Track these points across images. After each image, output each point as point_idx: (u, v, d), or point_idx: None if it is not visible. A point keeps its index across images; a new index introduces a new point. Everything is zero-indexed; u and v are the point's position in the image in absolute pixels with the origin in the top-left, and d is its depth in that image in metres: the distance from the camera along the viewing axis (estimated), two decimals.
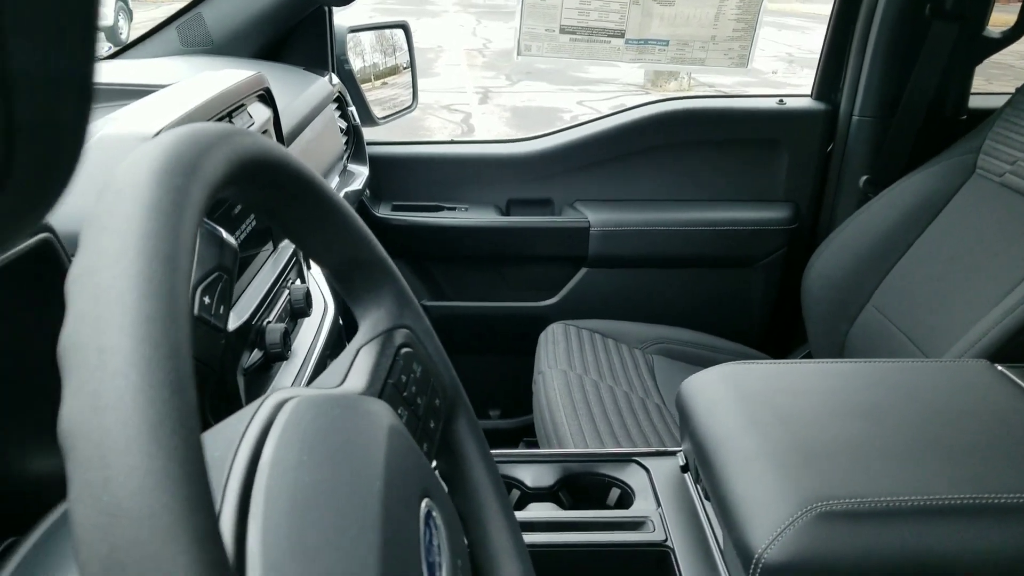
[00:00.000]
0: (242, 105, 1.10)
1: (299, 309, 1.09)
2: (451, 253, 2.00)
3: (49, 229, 0.64)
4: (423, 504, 0.55)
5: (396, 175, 2.00)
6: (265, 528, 0.39)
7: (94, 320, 0.30)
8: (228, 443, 0.45)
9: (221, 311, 0.72)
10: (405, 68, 2.14)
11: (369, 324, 0.69)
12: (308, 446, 0.47)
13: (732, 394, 1.21)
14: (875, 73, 1.80)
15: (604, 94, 8.43)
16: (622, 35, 1.87)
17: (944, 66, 1.74)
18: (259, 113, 1.14)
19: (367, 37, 2.07)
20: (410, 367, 0.69)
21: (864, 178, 1.86)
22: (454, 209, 2.01)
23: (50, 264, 0.67)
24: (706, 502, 1.19)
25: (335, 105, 1.72)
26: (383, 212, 2.00)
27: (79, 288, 0.32)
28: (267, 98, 1.18)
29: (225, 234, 0.73)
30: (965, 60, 1.76)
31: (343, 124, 1.76)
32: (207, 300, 0.69)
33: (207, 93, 1.00)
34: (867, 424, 1.11)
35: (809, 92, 1.96)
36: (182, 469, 0.29)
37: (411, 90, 2.13)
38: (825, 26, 1.89)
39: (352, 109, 1.84)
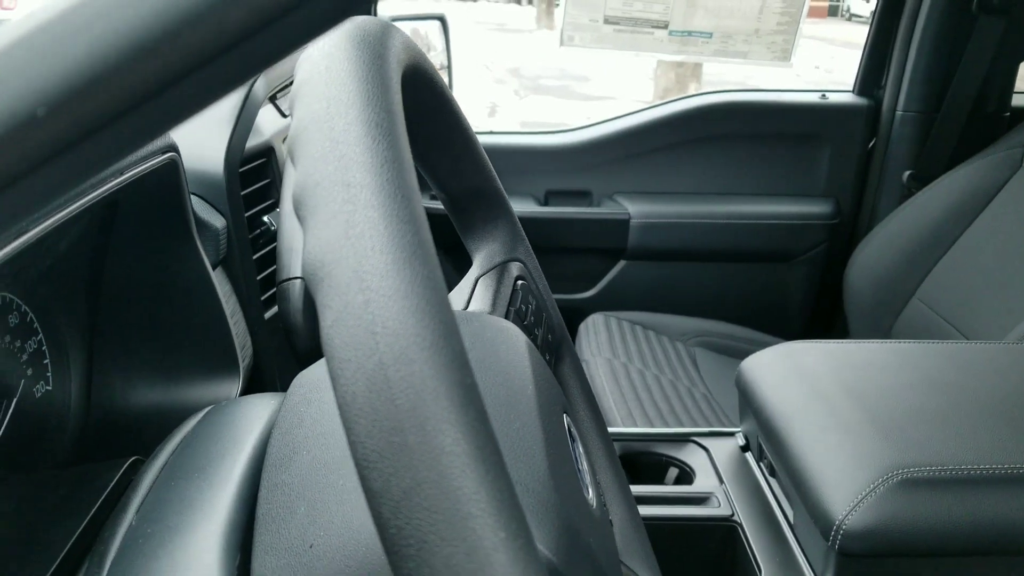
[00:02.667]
0: None
1: None
2: None
3: (175, 148, 0.64)
4: (564, 418, 0.54)
5: None
6: None
7: (337, 159, 0.31)
8: None
9: None
10: (440, 68, 2.14)
11: (485, 255, 0.69)
12: None
13: (795, 371, 1.20)
14: (920, 68, 1.81)
15: (612, 110, 8.46)
16: (666, 26, 1.87)
17: (990, 61, 1.74)
18: None
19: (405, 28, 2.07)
20: (527, 299, 0.68)
21: (908, 173, 1.86)
22: None
23: (173, 186, 0.66)
24: (771, 479, 1.18)
25: None
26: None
27: (312, 134, 0.33)
28: None
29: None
30: (1011, 55, 1.77)
31: None
32: None
33: None
34: (938, 398, 1.10)
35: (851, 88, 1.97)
36: (436, 296, 0.29)
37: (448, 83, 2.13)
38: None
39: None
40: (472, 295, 0.64)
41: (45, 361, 0.70)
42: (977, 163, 1.67)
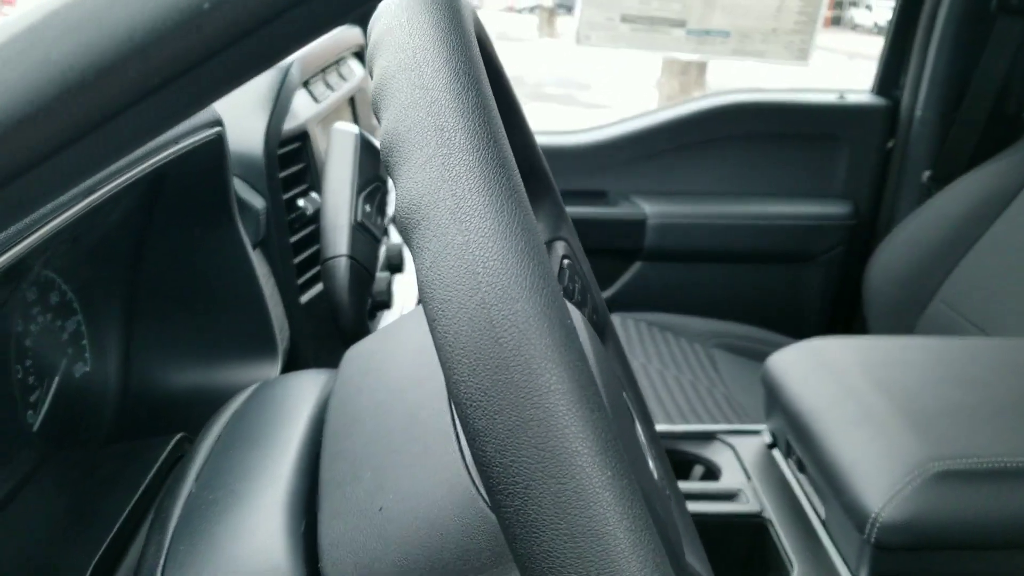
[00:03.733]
0: (343, 58, 1.09)
1: (396, 264, 1.07)
2: None
3: (221, 123, 0.63)
4: (623, 394, 0.54)
5: None
6: None
7: (428, 105, 0.31)
8: None
9: (379, 221, 0.71)
10: None
11: None
12: None
13: (823, 367, 1.19)
14: (939, 69, 1.80)
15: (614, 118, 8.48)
16: (683, 25, 1.87)
17: (1009, 62, 1.74)
18: (357, 69, 1.14)
19: None
20: (573, 278, 0.67)
21: (927, 174, 1.85)
22: None
23: (217, 162, 0.65)
24: (800, 475, 1.17)
25: None
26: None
27: (400, 82, 0.33)
28: (361, 56, 1.18)
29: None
30: None
31: None
32: (368, 208, 0.68)
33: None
34: (969, 392, 1.09)
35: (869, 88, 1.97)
36: (535, 239, 0.29)
37: None
38: None
39: None
40: None
41: (83, 342, 0.69)
42: (997, 163, 1.66)
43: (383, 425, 0.48)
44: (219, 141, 0.63)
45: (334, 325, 0.69)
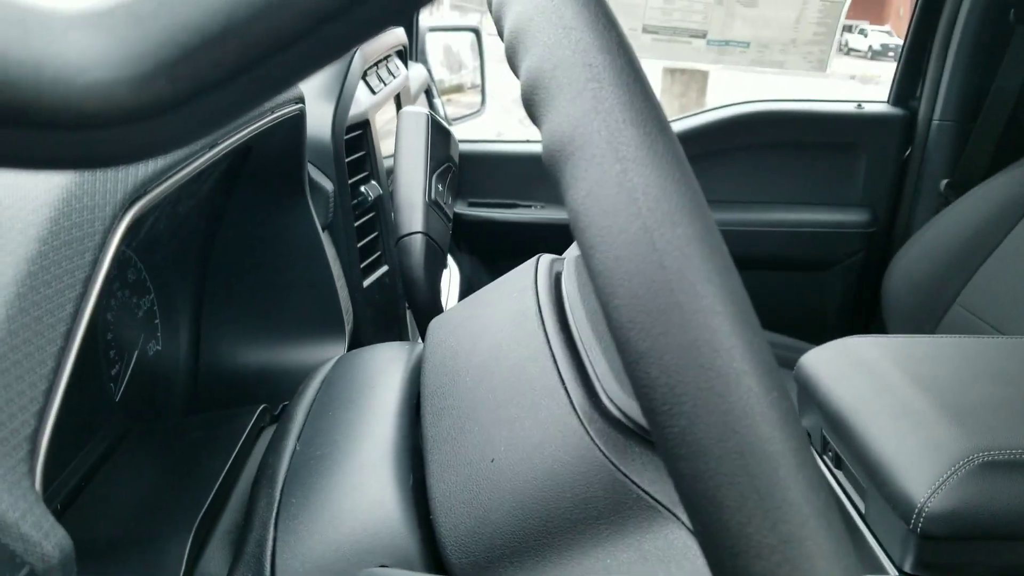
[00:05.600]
0: (388, 56, 1.11)
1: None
2: (525, 250, 1.99)
3: (303, 100, 0.64)
4: None
5: (471, 172, 2.01)
6: None
7: (573, 44, 0.32)
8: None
9: (449, 201, 0.72)
10: (470, 88, 2.16)
11: None
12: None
13: (858, 364, 1.20)
14: (957, 78, 1.83)
15: None
16: (704, 36, 1.89)
17: None
18: (400, 68, 1.15)
19: (435, 50, 2.07)
20: None
21: (945, 182, 1.87)
22: (528, 207, 2.02)
23: (296, 139, 0.67)
24: (836, 471, 1.17)
25: (423, 96, 1.74)
26: (459, 208, 2.00)
27: (541, 24, 0.34)
28: (404, 55, 1.20)
29: (452, 130, 0.74)
30: None
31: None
32: (440, 187, 0.69)
33: None
34: (1006, 387, 1.10)
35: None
36: (687, 168, 0.31)
37: (480, 95, 2.15)
38: None
39: (439, 101, 1.86)
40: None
41: (156, 321, 0.70)
42: (1016, 171, 1.68)
43: (484, 384, 0.49)
44: (301, 117, 0.64)
45: (407, 300, 0.70)
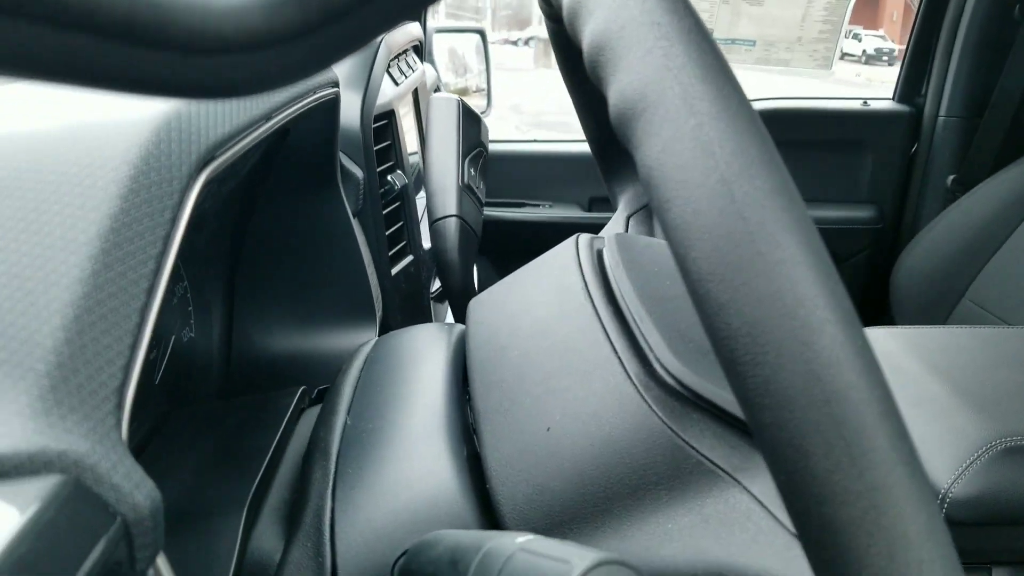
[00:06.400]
0: (407, 50, 1.12)
1: None
2: (534, 249, 2.00)
3: (339, 84, 0.65)
4: None
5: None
6: None
7: (639, 3, 0.32)
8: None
9: (481, 185, 0.73)
10: (475, 91, 2.16)
11: (632, 195, 0.70)
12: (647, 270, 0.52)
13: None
14: (962, 74, 1.84)
15: None
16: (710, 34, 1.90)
17: None
18: (417, 63, 1.16)
19: (440, 53, 2.07)
20: None
21: (951, 178, 1.88)
22: (537, 206, 2.02)
23: (331, 124, 0.67)
24: None
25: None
26: None
27: None
28: (420, 51, 1.20)
29: (481, 115, 0.74)
30: None
31: None
32: (472, 172, 0.70)
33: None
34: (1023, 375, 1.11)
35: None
36: (759, 121, 0.30)
37: (485, 97, 2.15)
38: None
39: None
40: (627, 231, 0.66)
41: (189, 308, 0.70)
42: (1022, 166, 1.69)
43: (533, 357, 0.49)
44: (336, 102, 0.64)
45: (442, 283, 0.71)
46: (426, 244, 0.94)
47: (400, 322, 0.83)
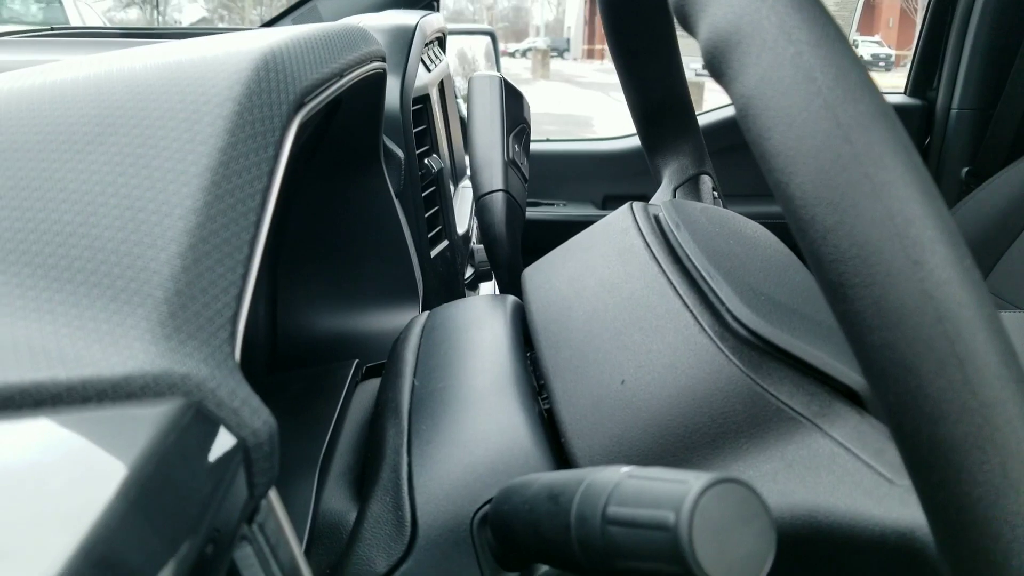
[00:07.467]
0: (432, 41, 1.12)
1: None
2: (548, 247, 2.00)
3: (385, 58, 0.65)
4: None
5: None
6: None
7: None
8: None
9: (524, 161, 0.73)
10: None
11: (677, 168, 0.70)
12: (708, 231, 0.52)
13: None
14: (975, 66, 1.85)
15: None
16: None
17: None
18: (441, 54, 1.17)
19: (450, 55, 2.07)
20: (726, 208, 0.69)
21: (965, 170, 1.89)
22: (552, 205, 2.03)
23: (377, 99, 0.67)
24: None
25: None
26: None
27: None
28: (443, 43, 1.21)
29: (523, 92, 0.75)
30: None
31: None
32: (516, 147, 0.70)
33: (412, 19, 1.03)
34: None
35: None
36: (852, 49, 0.30)
37: None
38: None
39: (460, 100, 1.87)
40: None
41: None
42: None
43: (599, 315, 0.49)
44: (384, 76, 0.65)
45: (488, 258, 0.71)
46: (460, 230, 0.94)
47: (438, 304, 0.83)
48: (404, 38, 0.83)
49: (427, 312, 0.62)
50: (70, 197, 0.31)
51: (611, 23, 0.62)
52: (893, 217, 0.26)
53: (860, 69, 0.30)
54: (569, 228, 2.06)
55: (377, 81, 0.65)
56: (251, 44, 0.37)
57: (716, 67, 0.32)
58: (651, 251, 0.51)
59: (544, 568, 0.41)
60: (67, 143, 0.32)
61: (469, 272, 0.99)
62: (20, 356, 0.27)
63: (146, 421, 0.26)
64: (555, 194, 2.04)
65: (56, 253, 0.30)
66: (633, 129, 2.10)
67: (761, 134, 0.30)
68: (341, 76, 0.45)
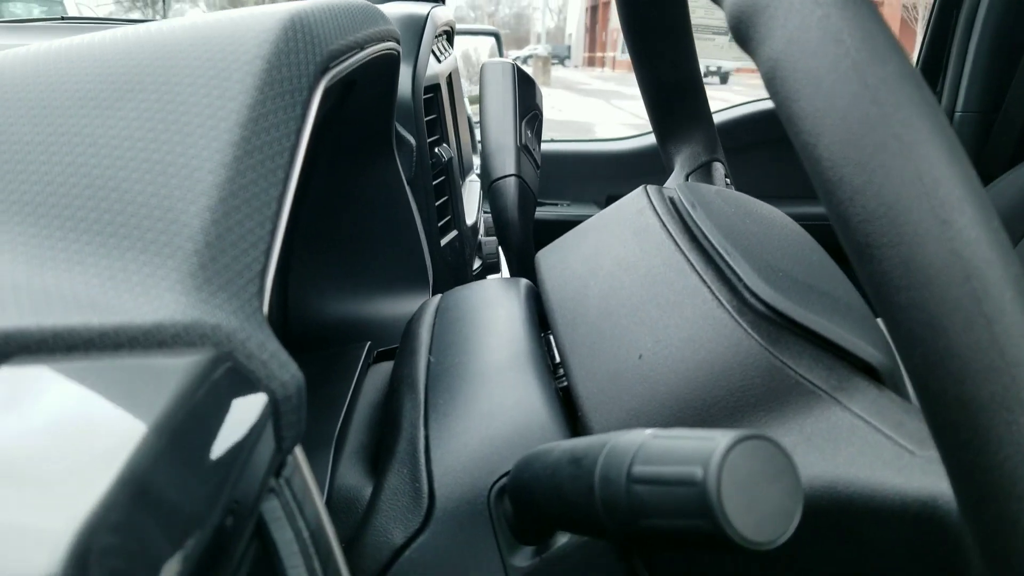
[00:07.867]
0: (440, 34, 1.13)
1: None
2: None
3: (399, 40, 0.65)
4: None
5: None
6: None
7: None
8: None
9: (536, 148, 0.73)
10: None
11: (690, 155, 0.70)
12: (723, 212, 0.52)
13: None
14: (979, 69, 1.85)
15: None
16: (726, 32, 1.92)
17: None
18: (448, 47, 1.17)
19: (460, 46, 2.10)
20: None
21: None
22: (555, 205, 2.03)
23: (390, 79, 0.67)
24: None
25: None
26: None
27: None
28: (451, 36, 1.21)
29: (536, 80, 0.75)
30: None
31: None
32: (529, 133, 0.70)
33: (423, 9, 1.03)
34: None
35: None
36: (878, 13, 0.30)
37: None
38: None
39: (466, 99, 1.88)
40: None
41: None
42: None
43: (616, 293, 0.49)
44: (398, 59, 0.65)
45: (500, 243, 0.71)
46: (468, 220, 0.95)
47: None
48: (416, 26, 0.84)
49: (440, 295, 0.62)
50: (100, 152, 0.31)
51: (626, 6, 0.63)
52: (921, 177, 0.26)
53: (887, 31, 0.30)
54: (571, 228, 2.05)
55: (391, 63, 0.65)
56: (277, 8, 0.37)
57: (742, 32, 0.32)
58: (667, 230, 0.51)
59: (561, 540, 0.41)
60: (96, 100, 0.32)
61: (477, 264, 0.99)
62: (53, 303, 0.27)
63: (177, 369, 0.26)
64: (559, 194, 2.04)
65: (87, 206, 0.30)
66: (636, 130, 2.10)
67: (789, 96, 0.30)
68: (362, 48, 0.46)
